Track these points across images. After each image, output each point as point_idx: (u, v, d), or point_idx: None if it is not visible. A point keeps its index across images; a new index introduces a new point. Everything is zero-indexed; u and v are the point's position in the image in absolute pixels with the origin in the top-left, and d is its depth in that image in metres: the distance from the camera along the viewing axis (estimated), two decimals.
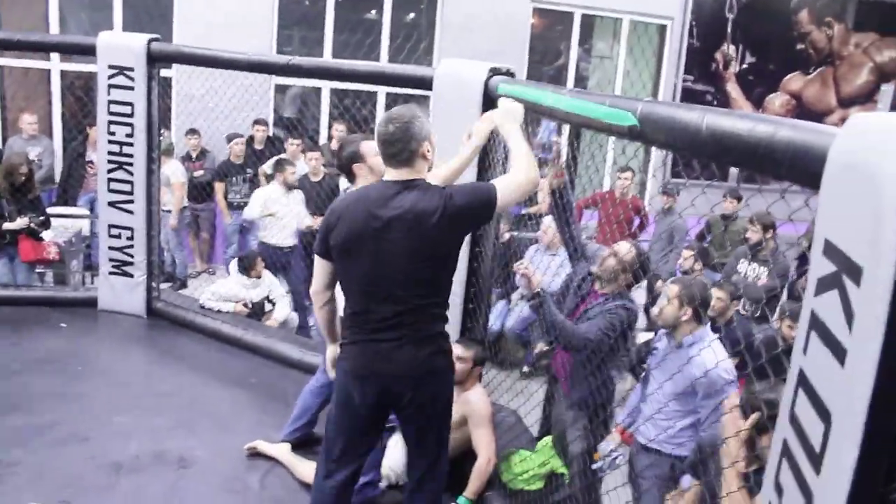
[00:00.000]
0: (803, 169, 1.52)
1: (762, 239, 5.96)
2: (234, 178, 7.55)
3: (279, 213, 6.51)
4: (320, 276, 2.88)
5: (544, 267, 5.73)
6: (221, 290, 5.78)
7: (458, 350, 3.74)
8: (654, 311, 3.84)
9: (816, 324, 1.35)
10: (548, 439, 3.85)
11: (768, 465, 1.53)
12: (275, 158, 7.08)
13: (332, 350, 3.09)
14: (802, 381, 1.39)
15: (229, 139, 7.47)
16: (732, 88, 9.38)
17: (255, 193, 6.76)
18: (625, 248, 3.85)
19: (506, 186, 2.71)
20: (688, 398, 3.61)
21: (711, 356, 3.35)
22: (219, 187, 7.61)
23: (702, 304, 3.68)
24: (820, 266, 1.35)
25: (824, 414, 1.28)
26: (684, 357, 3.52)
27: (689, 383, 3.53)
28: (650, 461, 3.73)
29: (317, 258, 2.84)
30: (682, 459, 3.56)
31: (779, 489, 1.44)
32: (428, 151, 2.68)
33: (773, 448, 1.50)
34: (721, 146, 1.86)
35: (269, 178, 7.11)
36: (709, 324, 3.82)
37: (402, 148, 2.62)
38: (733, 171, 8.79)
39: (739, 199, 6.86)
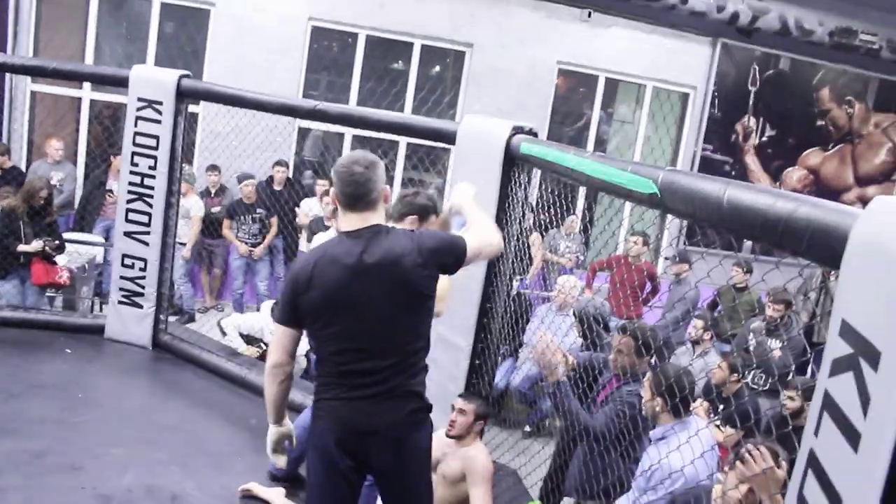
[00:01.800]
0: (823, 247, 1.51)
1: (783, 315, 5.92)
2: (242, 217, 7.62)
3: None
4: (285, 345, 2.64)
5: (556, 327, 5.70)
6: (247, 322, 5.74)
7: (460, 403, 3.70)
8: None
9: (830, 406, 1.32)
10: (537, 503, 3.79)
11: None
12: (330, 207, 6.99)
13: (278, 432, 2.82)
14: (812, 462, 1.36)
15: (240, 180, 7.55)
16: (751, 160, 9.40)
17: (315, 238, 6.71)
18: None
19: (477, 241, 2.69)
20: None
21: (676, 458, 3.02)
22: (226, 224, 7.69)
23: (675, 392, 3.20)
24: (836, 347, 1.33)
25: (834, 498, 1.25)
26: (654, 452, 3.25)
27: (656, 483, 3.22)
28: None
29: (280, 328, 2.65)
30: None
31: None
32: (385, 197, 2.67)
33: None
34: (741, 220, 1.85)
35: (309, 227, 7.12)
36: (690, 417, 3.39)
37: (370, 189, 2.55)
38: (748, 242, 8.77)
39: (750, 271, 6.82)
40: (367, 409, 2.56)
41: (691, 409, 3.41)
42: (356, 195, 2.55)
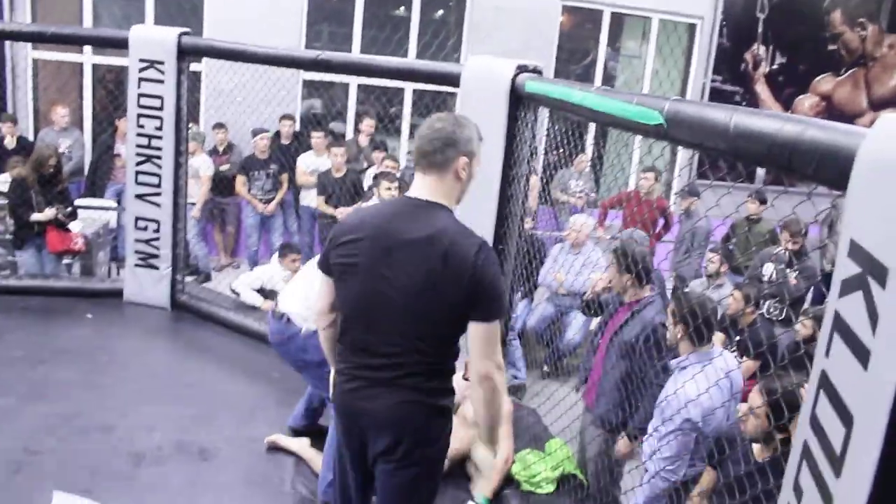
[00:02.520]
0: (831, 169, 1.50)
1: (799, 247, 5.87)
2: (256, 173, 7.59)
3: None
4: (323, 293, 2.50)
5: (568, 266, 5.71)
6: (259, 276, 5.77)
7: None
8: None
9: (840, 325, 1.33)
10: (559, 441, 3.84)
11: (787, 466, 1.51)
12: (371, 173, 6.91)
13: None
14: (824, 382, 1.37)
15: (254, 134, 7.50)
16: (762, 89, 9.26)
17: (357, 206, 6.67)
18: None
19: (493, 341, 2.26)
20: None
21: (692, 387, 3.12)
22: (240, 180, 7.63)
23: (697, 320, 3.23)
24: (845, 267, 1.33)
25: (846, 416, 1.26)
26: (674, 380, 3.35)
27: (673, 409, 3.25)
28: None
29: (319, 275, 2.50)
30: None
31: (798, 491, 1.42)
32: (463, 171, 2.30)
33: (793, 450, 1.48)
34: (749, 146, 1.84)
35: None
36: (713, 349, 3.42)
37: (440, 147, 2.27)
38: (760, 173, 8.69)
39: (763, 201, 6.77)
40: (368, 394, 2.34)
41: (713, 336, 3.41)
42: (422, 152, 2.31)
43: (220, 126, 7.74)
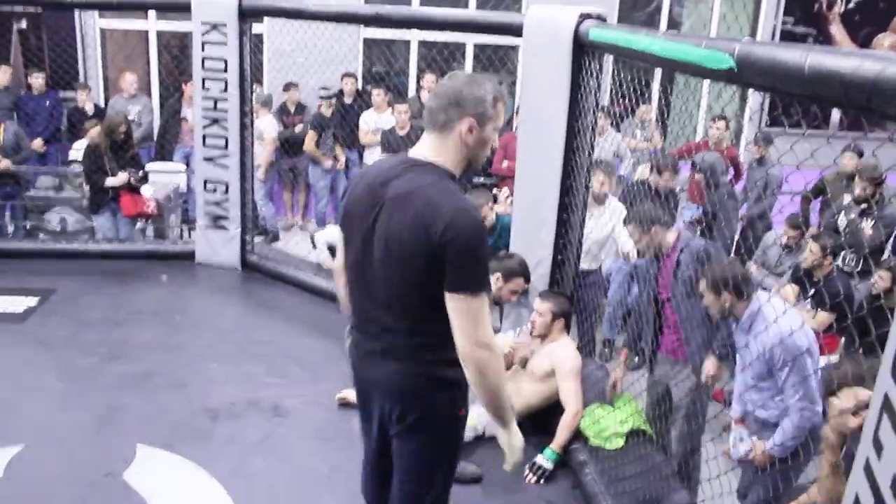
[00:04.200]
0: None
1: (874, 193, 5.58)
2: (325, 132, 7.58)
3: None
4: (340, 256, 2.41)
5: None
6: (329, 234, 5.80)
7: (536, 303, 3.76)
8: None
9: None
10: (627, 395, 3.82)
11: (866, 420, 1.46)
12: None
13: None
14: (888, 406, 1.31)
15: (322, 97, 7.48)
16: (837, 30, 8.74)
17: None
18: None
19: (473, 317, 2.03)
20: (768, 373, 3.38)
21: (775, 330, 3.16)
22: (311, 136, 7.56)
23: (733, 284, 3.35)
24: None
25: None
26: (749, 338, 3.42)
27: (763, 361, 3.32)
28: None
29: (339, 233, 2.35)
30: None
31: (878, 445, 1.37)
32: (469, 134, 2.08)
33: (873, 403, 1.42)
34: (825, 86, 1.75)
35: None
36: (759, 293, 3.50)
37: (444, 105, 2.09)
38: (834, 119, 8.36)
39: (861, 153, 6.29)
40: (370, 360, 2.24)
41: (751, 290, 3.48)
42: (427, 107, 2.15)
43: (291, 85, 7.74)
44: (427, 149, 2.13)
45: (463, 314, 2.02)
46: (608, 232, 4.77)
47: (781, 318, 3.13)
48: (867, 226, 5.59)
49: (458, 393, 2.21)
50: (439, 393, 2.19)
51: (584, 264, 4.36)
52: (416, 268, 2.04)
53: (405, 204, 2.04)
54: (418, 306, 2.10)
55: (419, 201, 2.02)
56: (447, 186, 2.07)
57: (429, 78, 7.67)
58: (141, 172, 6.01)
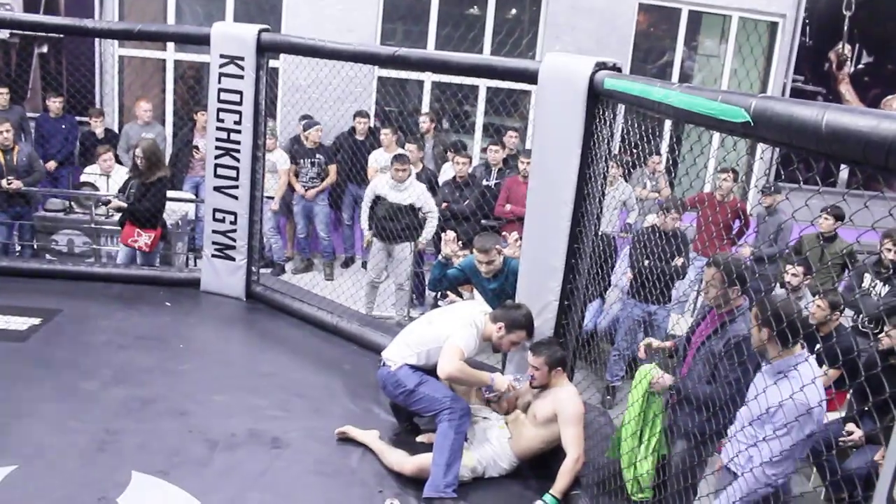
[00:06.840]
0: None
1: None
2: (301, 161, 7.62)
3: None
4: None
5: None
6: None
7: (529, 359, 3.76)
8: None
9: None
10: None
11: (879, 479, 1.45)
12: (447, 168, 7.04)
13: None
14: None
15: (306, 127, 7.53)
16: (846, 90, 8.95)
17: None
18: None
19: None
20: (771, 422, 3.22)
21: (813, 393, 3.00)
22: (291, 169, 7.65)
23: (783, 323, 3.08)
24: None
25: None
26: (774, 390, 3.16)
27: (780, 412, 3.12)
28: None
29: None
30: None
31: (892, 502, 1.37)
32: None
33: (887, 462, 1.42)
34: (842, 144, 1.77)
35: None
36: (803, 351, 3.29)
37: None
38: (842, 177, 8.42)
39: (840, 217, 6.22)
40: None
41: (799, 339, 3.23)
42: None
43: (314, 124, 7.75)
44: None
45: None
46: None
47: (810, 385, 2.98)
48: (883, 291, 5.58)
49: None
50: None
51: None
52: None
53: None
54: None
55: None
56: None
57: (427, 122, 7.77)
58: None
